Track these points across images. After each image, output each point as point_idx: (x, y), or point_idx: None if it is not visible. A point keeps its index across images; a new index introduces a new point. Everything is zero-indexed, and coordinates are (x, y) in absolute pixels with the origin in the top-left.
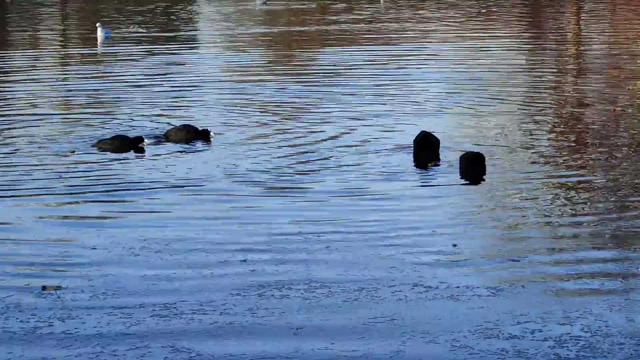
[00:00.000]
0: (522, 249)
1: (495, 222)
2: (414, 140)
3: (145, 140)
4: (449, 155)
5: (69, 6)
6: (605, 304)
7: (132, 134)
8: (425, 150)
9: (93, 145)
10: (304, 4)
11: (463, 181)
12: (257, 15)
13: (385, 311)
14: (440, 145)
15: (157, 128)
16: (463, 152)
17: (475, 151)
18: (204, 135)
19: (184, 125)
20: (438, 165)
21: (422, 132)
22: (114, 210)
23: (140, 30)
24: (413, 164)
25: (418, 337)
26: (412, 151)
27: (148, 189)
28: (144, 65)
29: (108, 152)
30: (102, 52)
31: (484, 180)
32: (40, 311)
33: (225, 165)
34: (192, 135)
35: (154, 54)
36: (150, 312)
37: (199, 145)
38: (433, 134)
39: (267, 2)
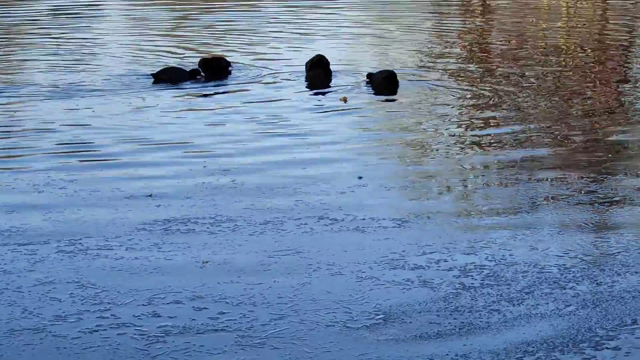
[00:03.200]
0: (428, 180)
1: (401, 152)
2: (307, 62)
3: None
4: (347, 80)
5: None
6: (509, 234)
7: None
8: (320, 72)
9: (153, 77)
10: None
11: (364, 108)
12: None
13: (291, 244)
14: (336, 70)
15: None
16: (374, 72)
17: (389, 69)
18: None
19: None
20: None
21: (317, 55)
22: (16, 149)
23: None
24: (310, 91)
25: (324, 269)
26: (305, 75)
27: (50, 131)
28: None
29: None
30: None
31: (385, 106)
32: None
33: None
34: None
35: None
36: (55, 248)
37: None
38: (326, 57)
39: None
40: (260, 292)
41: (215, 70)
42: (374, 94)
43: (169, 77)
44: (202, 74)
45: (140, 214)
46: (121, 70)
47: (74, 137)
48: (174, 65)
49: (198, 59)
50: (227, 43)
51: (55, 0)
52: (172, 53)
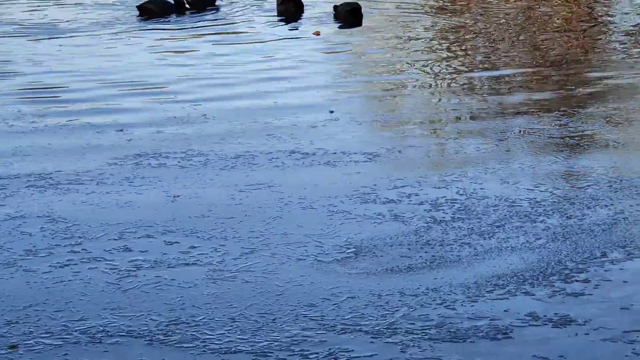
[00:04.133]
0: (399, 114)
1: (372, 87)
2: None
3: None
4: (317, 12)
5: None
6: (480, 168)
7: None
8: (290, 6)
9: (139, 10)
10: None
11: (334, 41)
12: None
13: (262, 178)
14: (307, 2)
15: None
16: (339, 4)
17: (353, 2)
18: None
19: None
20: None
21: None
22: None
23: None
24: (282, 25)
25: (295, 203)
26: (277, 9)
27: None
28: None
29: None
30: None
31: (354, 39)
32: None
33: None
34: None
35: None
36: (25, 182)
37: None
38: None
39: None
40: (232, 226)
41: (193, 4)
42: (338, 26)
43: (156, 7)
44: (187, 5)
45: (111, 148)
46: (100, 6)
47: (46, 75)
48: None
49: None
50: None
51: None
52: None
